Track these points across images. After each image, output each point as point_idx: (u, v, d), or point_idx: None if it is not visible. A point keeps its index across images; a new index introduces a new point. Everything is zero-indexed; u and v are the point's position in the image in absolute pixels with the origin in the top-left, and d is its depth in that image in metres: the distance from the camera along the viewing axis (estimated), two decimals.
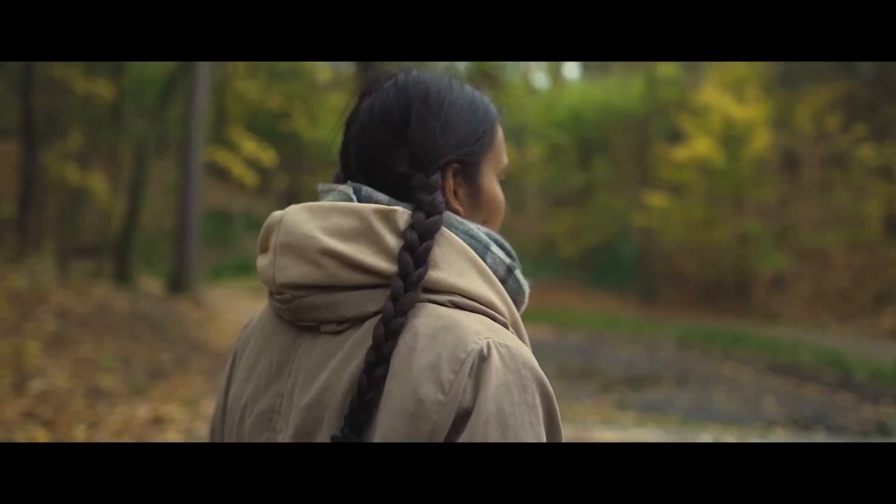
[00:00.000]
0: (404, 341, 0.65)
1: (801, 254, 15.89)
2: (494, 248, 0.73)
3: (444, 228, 0.69)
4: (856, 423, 6.77)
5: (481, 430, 0.60)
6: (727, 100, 15.62)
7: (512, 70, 21.05)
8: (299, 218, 0.71)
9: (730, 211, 17.17)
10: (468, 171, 0.76)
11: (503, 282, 0.73)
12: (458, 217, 0.73)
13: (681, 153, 16.17)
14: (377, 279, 0.68)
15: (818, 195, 17.25)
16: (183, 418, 4.95)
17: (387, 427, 0.63)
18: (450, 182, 0.74)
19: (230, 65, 12.47)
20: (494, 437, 0.60)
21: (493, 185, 0.79)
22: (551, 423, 0.65)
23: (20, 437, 3.73)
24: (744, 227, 16.38)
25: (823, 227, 16.11)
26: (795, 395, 8.09)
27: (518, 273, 0.75)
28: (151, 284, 12.45)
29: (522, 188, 22.73)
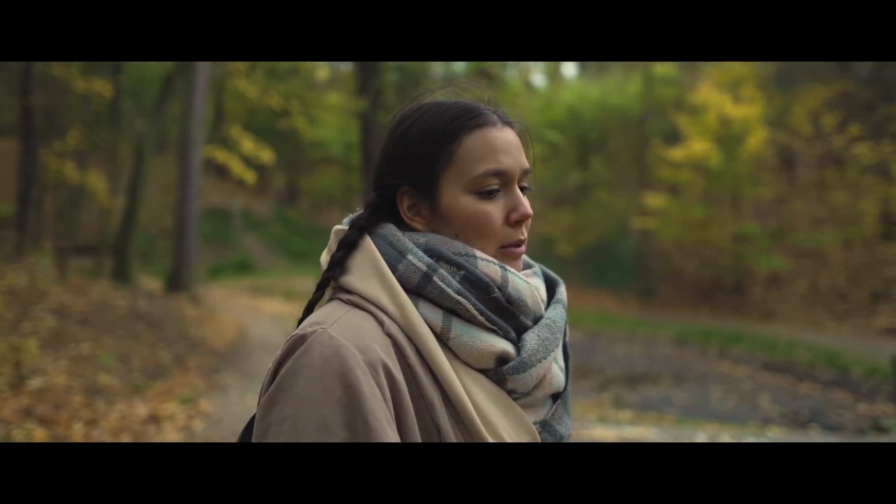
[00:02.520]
0: None
1: (798, 252, 15.92)
2: (411, 256, 0.79)
3: (367, 239, 0.82)
4: (851, 420, 6.81)
5: (273, 395, 0.71)
6: (724, 99, 15.64)
7: (510, 69, 21.05)
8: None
9: (727, 210, 17.20)
10: (424, 192, 0.83)
11: (421, 286, 0.78)
12: (392, 230, 0.83)
13: (678, 153, 16.19)
14: None
15: (814, 194, 17.28)
16: (181, 416, 4.97)
17: None
18: (404, 202, 0.84)
19: (229, 64, 12.45)
20: (280, 400, 0.70)
21: (456, 201, 0.81)
22: (350, 413, 0.68)
23: (18, 434, 3.74)
24: (741, 227, 16.42)
25: (820, 225, 16.14)
26: (792, 393, 8.12)
27: (439, 280, 0.77)
28: (150, 283, 12.45)
29: None
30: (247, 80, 12.81)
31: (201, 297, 11.81)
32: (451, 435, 0.74)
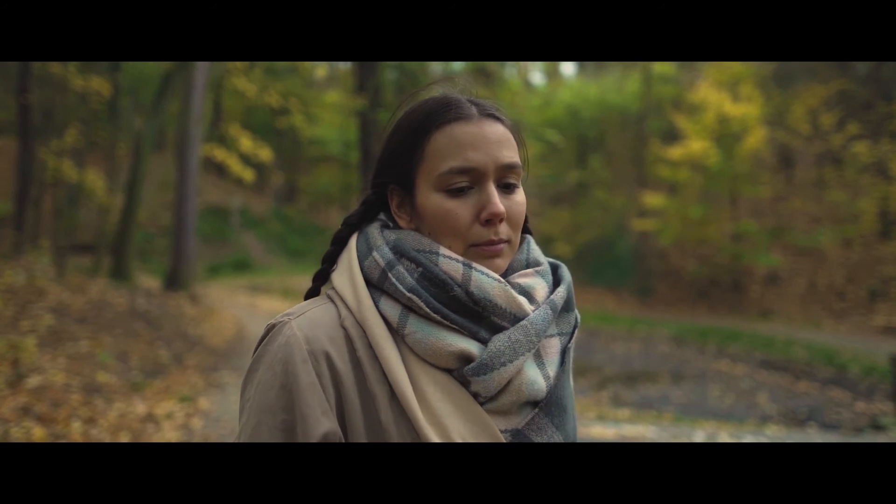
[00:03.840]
0: None
1: (796, 251, 15.95)
2: (376, 252, 0.82)
3: (355, 235, 0.86)
4: (849, 418, 6.83)
5: (245, 376, 0.79)
6: (723, 97, 15.65)
7: (509, 68, 21.05)
8: None
9: (725, 209, 17.22)
10: (406, 190, 0.85)
11: (380, 282, 0.80)
12: (373, 227, 0.86)
13: (676, 151, 16.20)
14: None
15: (813, 192, 17.31)
16: (180, 415, 4.97)
17: None
18: (394, 200, 0.86)
19: (227, 62, 12.46)
20: (249, 382, 0.78)
21: (427, 199, 0.81)
22: (290, 397, 0.74)
23: (16, 433, 3.74)
24: (739, 226, 16.44)
25: (818, 224, 16.17)
26: (789, 391, 8.14)
27: (394, 276, 0.79)
28: (148, 281, 12.44)
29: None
30: (245, 79, 12.82)
31: (200, 295, 11.81)
32: (393, 429, 0.74)
